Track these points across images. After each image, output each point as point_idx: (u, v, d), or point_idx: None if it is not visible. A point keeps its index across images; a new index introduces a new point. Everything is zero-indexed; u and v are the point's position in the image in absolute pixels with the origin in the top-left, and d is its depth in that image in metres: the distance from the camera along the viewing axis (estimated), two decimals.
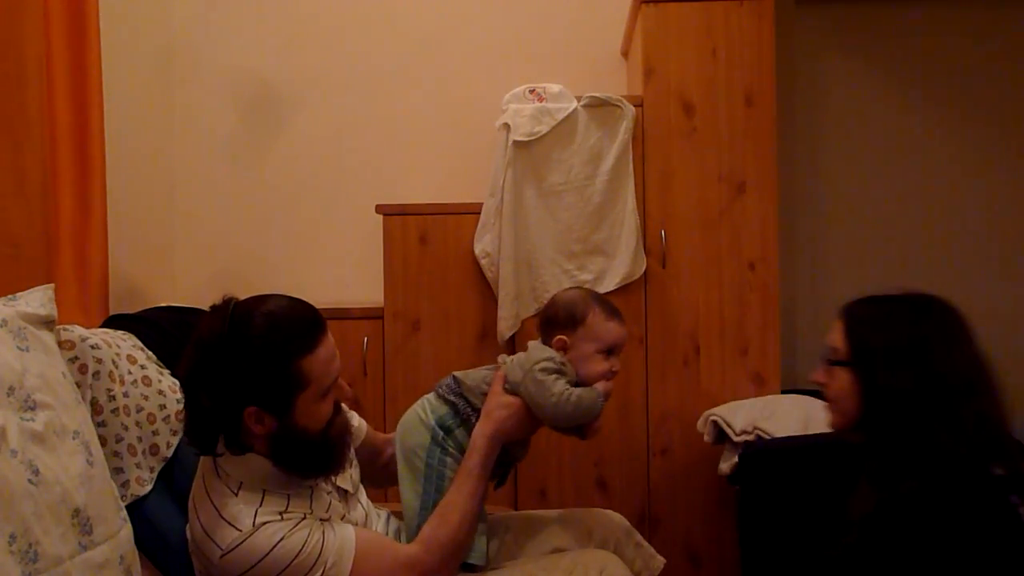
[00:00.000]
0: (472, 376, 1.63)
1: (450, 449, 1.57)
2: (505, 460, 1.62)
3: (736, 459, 2.17)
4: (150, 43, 2.91)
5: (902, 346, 1.35)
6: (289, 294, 1.43)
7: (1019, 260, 3.01)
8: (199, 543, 1.35)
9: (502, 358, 1.64)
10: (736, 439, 2.17)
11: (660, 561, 1.73)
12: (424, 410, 1.61)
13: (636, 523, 1.82)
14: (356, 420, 1.70)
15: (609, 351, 1.61)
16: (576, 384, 1.58)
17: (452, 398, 1.61)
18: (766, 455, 2.09)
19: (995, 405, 1.33)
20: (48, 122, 1.92)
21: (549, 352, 1.59)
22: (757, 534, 2.11)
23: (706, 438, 2.31)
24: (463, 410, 1.59)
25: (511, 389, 1.58)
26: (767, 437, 2.13)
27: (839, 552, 1.34)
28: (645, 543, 1.73)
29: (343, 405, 1.52)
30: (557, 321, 1.62)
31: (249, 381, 1.29)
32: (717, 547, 2.47)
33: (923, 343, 1.35)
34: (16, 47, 1.79)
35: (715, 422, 2.27)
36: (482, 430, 1.54)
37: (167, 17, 3.00)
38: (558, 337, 1.60)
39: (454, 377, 1.64)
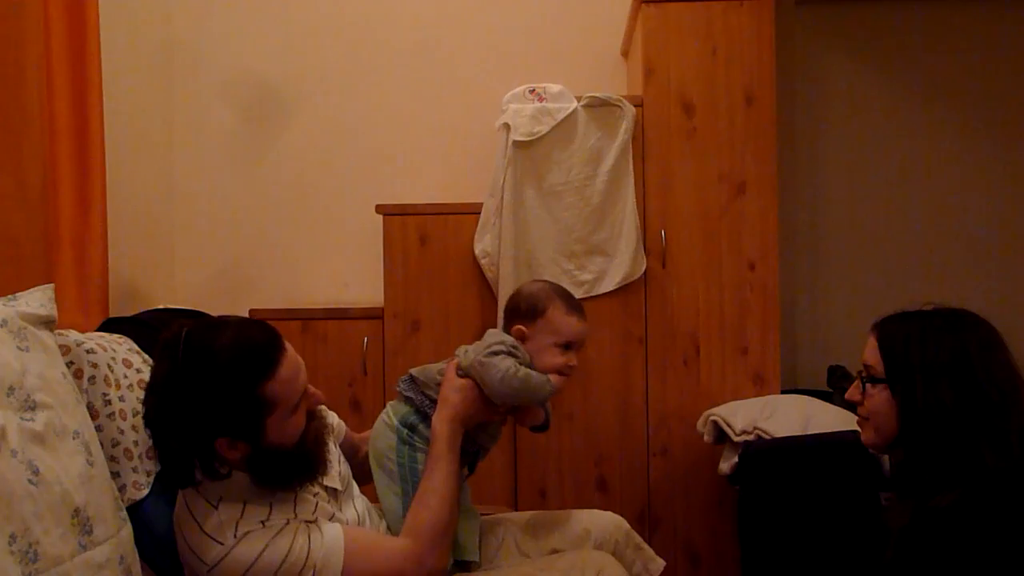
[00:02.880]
0: (427, 370, 1.64)
1: (418, 444, 1.58)
2: (472, 448, 1.62)
3: (736, 459, 2.17)
4: (150, 43, 2.91)
5: (941, 361, 1.33)
6: (250, 320, 1.39)
7: (1019, 260, 3.00)
8: (186, 560, 1.35)
9: (460, 349, 1.64)
10: (736, 439, 2.17)
11: (659, 564, 1.73)
12: (387, 415, 1.63)
13: (636, 523, 1.82)
14: (335, 419, 1.70)
15: (567, 345, 1.61)
16: None
17: (409, 394, 1.62)
18: (766, 455, 2.09)
19: None
20: (48, 122, 1.92)
21: (502, 337, 1.60)
22: (757, 534, 2.11)
23: (706, 438, 2.31)
24: (421, 405, 1.60)
25: (464, 374, 1.58)
26: (767, 437, 2.13)
27: (880, 569, 1.32)
28: (645, 545, 1.73)
29: (321, 405, 1.51)
30: (518, 311, 1.63)
31: (213, 416, 1.28)
32: (717, 547, 2.47)
33: (962, 357, 1.32)
34: (16, 47, 1.78)
35: (715, 422, 2.27)
36: (439, 416, 1.54)
37: (167, 17, 3.00)
38: (516, 327, 1.62)
39: (410, 374, 1.65)
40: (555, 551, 1.65)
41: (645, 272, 2.49)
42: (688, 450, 2.48)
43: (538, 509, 2.32)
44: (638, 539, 1.72)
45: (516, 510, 2.21)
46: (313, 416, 1.41)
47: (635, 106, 2.49)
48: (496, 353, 1.55)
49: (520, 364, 1.55)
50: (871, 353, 1.42)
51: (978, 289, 2.95)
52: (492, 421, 1.64)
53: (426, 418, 1.58)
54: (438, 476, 1.49)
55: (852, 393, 1.47)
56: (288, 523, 1.34)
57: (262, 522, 1.33)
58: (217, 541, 1.30)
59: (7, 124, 1.75)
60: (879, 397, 1.40)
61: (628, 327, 2.50)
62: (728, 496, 2.43)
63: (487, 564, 1.65)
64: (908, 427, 1.35)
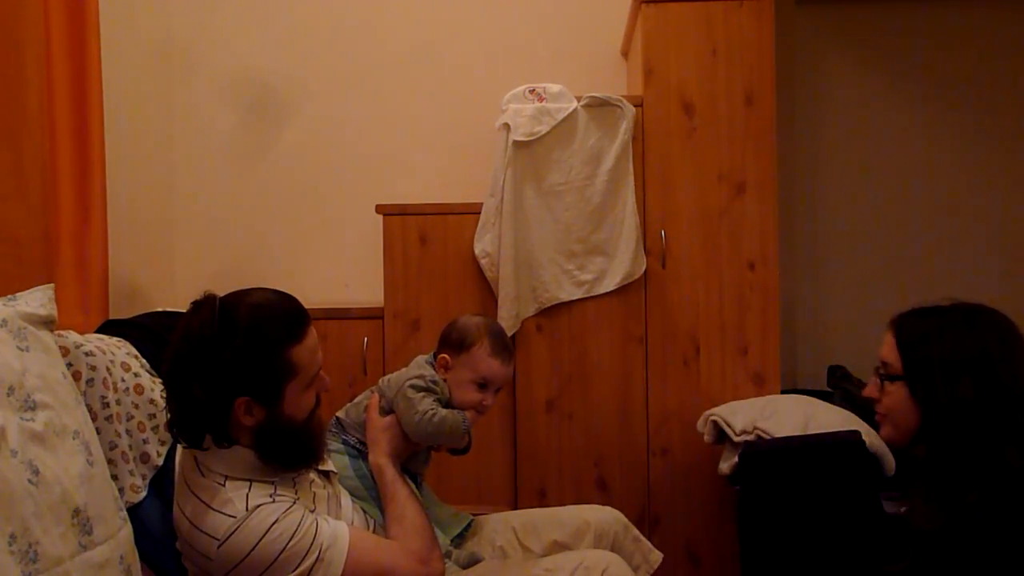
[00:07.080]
0: (351, 411, 1.69)
1: (364, 450, 1.63)
2: (409, 475, 1.65)
3: (736, 459, 2.17)
4: (150, 43, 2.91)
5: (961, 358, 1.32)
6: (280, 290, 1.46)
7: (1019, 260, 3.00)
8: (193, 543, 1.35)
9: (383, 379, 1.69)
10: (736, 439, 2.17)
11: (658, 556, 1.75)
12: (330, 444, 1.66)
13: (636, 523, 1.83)
14: None
15: (484, 385, 1.65)
16: (447, 405, 1.63)
17: (338, 445, 1.66)
18: (766, 455, 2.09)
19: None
20: (48, 122, 1.92)
21: (424, 370, 1.65)
22: (757, 534, 2.11)
23: (706, 438, 2.30)
24: (354, 447, 1.65)
25: (387, 407, 1.63)
26: (767, 437, 2.12)
27: (900, 569, 1.31)
28: (643, 538, 1.76)
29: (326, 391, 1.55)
30: (449, 341, 1.69)
31: (241, 371, 1.32)
32: (717, 547, 2.47)
33: (982, 354, 1.31)
34: (16, 47, 1.78)
35: (715, 422, 2.27)
36: (375, 458, 1.60)
37: (167, 17, 2.99)
38: (441, 355, 1.67)
39: (336, 418, 1.69)
40: (555, 543, 1.68)
41: (645, 272, 2.49)
42: (688, 450, 2.48)
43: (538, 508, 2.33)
44: (636, 532, 1.75)
45: (516, 509, 2.22)
46: (319, 402, 1.45)
47: (635, 106, 2.48)
48: (416, 388, 1.60)
49: (438, 402, 1.60)
50: (889, 350, 1.42)
51: (978, 289, 2.94)
52: (419, 451, 1.69)
53: (360, 457, 1.64)
54: (400, 497, 1.54)
55: (870, 390, 1.46)
56: (295, 503, 1.37)
57: (270, 495, 1.36)
58: (228, 515, 1.32)
59: (7, 124, 1.75)
60: (897, 394, 1.39)
61: (628, 327, 2.50)
62: (728, 496, 2.43)
63: (490, 558, 1.68)
64: (929, 424, 1.34)
